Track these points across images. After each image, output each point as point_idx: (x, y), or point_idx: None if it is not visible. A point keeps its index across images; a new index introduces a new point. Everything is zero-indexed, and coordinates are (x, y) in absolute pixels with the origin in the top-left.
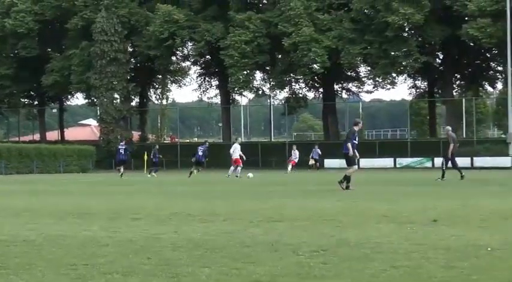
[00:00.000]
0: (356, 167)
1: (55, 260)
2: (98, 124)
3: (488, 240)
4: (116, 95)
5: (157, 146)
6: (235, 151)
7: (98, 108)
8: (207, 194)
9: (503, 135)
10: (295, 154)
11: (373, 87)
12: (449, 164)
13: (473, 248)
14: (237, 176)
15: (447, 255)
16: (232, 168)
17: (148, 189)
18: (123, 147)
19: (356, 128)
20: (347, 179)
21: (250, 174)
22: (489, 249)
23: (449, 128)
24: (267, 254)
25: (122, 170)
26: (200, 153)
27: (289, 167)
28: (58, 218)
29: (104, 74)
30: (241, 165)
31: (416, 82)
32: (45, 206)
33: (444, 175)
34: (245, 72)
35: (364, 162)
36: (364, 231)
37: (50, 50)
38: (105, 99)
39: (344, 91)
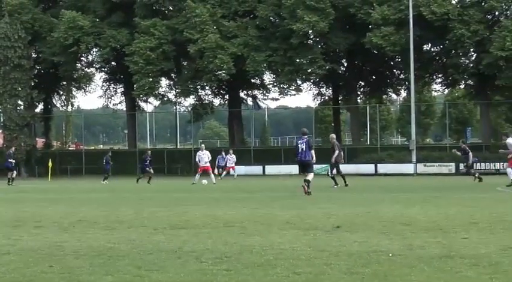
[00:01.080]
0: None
1: None
2: (1, 131)
3: (389, 246)
4: (20, 102)
5: (109, 153)
6: (202, 158)
7: (1, 114)
8: (112, 201)
9: (406, 142)
10: (233, 158)
11: (279, 94)
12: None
13: (375, 254)
14: (193, 183)
15: (349, 261)
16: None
17: (51, 197)
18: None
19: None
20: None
21: (205, 181)
22: (390, 255)
23: (334, 135)
24: (171, 261)
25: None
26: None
27: (224, 174)
28: None
29: (8, 80)
30: (199, 173)
31: (321, 89)
32: None
33: (336, 182)
34: (150, 78)
35: (269, 169)
36: (268, 238)
37: None
38: (8, 106)
39: (250, 98)
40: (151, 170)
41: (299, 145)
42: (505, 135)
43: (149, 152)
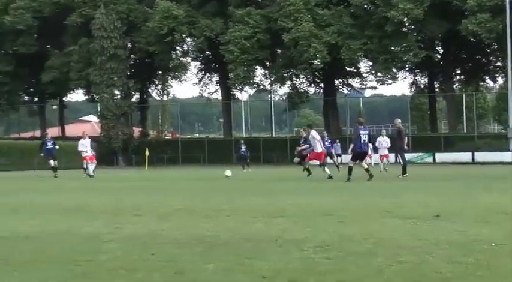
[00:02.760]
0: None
1: (58, 256)
2: (98, 120)
3: (490, 235)
4: (116, 91)
5: (242, 141)
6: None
7: (99, 104)
8: (208, 189)
9: (503, 131)
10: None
11: (376, 82)
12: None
13: (476, 243)
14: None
15: (450, 251)
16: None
17: (149, 185)
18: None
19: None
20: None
21: (229, 172)
22: (493, 244)
23: (399, 120)
24: (271, 249)
25: (52, 163)
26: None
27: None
28: (60, 215)
29: (104, 70)
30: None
31: (417, 77)
32: (47, 203)
33: (406, 170)
34: (245, 67)
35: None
36: (367, 227)
37: (49, 46)
38: (105, 96)
39: (345, 86)
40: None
41: (362, 136)
42: None
43: (242, 141)
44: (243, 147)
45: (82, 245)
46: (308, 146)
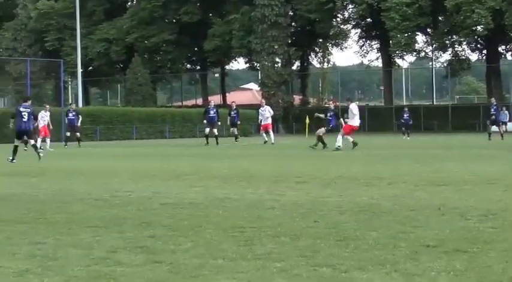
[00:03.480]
0: None
1: (222, 222)
2: (259, 88)
3: None
4: (277, 59)
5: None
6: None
7: (259, 72)
8: (369, 157)
9: None
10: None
11: None
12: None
13: None
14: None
15: None
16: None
17: (311, 153)
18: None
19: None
20: None
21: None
22: None
23: None
24: (434, 218)
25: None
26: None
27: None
28: (222, 181)
29: (265, 38)
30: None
31: None
32: (209, 169)
33: None
34: (406, 34)
35: None
36: None
37: (211, 15)
38: (266, 64)
39: (509, 53)
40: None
41: None
42: None
43: (406, 108)
44: (405, 115)
45: (245, 212)
46: (330, 119)
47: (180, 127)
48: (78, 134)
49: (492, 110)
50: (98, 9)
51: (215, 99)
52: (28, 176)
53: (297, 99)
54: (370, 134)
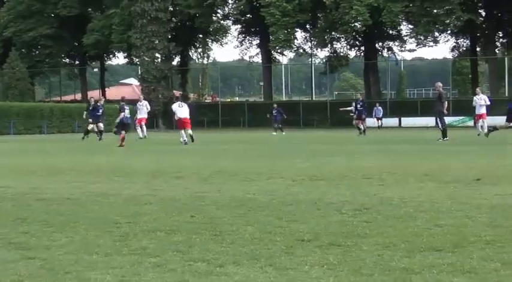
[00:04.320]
0: None
1: (99, 218)
2: (139, 83)
3: None
4: (157, 54)
5: (274, 105)
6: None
7: (139, 67)
8: (248, 152)
9: None
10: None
11: (416, 46)
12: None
13: None
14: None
15: (491, 214)
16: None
17: (189, 148)
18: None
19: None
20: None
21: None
22: None
23: (440, 84)
24: (310, 213)
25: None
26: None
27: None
28: (101, 177)
29: (145, 33)
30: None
31: (459, 40)
32: (88, 165)
33: (446, 134)
34: (286, 30)
35: (406, 121)
36: (407, 190)
37: (90, 9)
38: (146, 59)
39: (385, 49)
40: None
41: None
42: None
43: (275, 105)
44: (274, 112)
45: (122, 207)
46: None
47: (59, 122)
48: None
49: (358, 106)
50: None
51: (95, 94)
52: None
53: (177, 94)
54: (250, 129)
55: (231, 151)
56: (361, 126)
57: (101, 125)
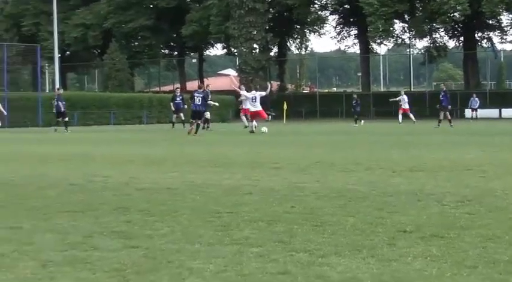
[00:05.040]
0: None
1: (199, 207)
2: (236, 74)
3: None
4: (255, 45)
5: (354, 96)
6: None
7: (237, 58)
8: (347, 143)
9: None
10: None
11: None
12: None
13: None
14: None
15: None
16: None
17: (287, 139)
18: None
19: None
20: None
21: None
22: None
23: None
24: (411, 204)
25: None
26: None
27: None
28: (199, 167)
29: (243, 24)
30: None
31: None
32: (186, 155)
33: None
34: (384, 20)
35: (506, 113)
36: (510, 182)
37: (188, 0)
38: (244, 49)
39: (485, 40)
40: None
41: None
42: None
43: (355, 95)
44: (353, 102)
45: (222, 197)
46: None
47: (158, 113)
48: (66, 119)
49: (440, 96)
50: None
51: (193, 85)
52: (5, 160)
53: (274, 85)
54: (347, 120)
55: (329, 142)
56: (441, 117)
57: (181, 114)
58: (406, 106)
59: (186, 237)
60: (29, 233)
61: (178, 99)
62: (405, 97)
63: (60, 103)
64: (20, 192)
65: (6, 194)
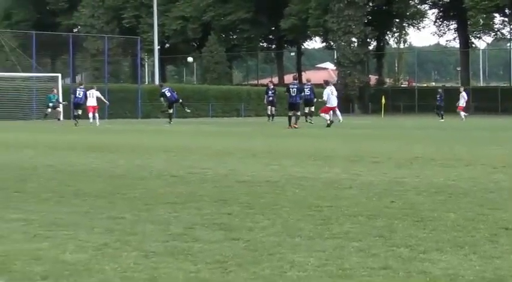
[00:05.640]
0: None
1: (299, 201)
2: (335, 68)
3: None
4: (353, 39)
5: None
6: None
7: (335, 51)
8: (446, 138)
9: None
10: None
11: None
12: None
13: None
14: None
15: None
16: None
17: (385, 133)
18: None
19: None
20: None
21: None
22: None
23: None
24: None
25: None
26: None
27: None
28: (298, 160)
29: (342, 17)
30: None
31: None
32: (285, 148)
33: None
34: (485, 15)
35: None
36: None
37: None
38: (342, 43)
39: None
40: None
41: None
42: None
43: (440, 89)
44: (437, 96)
45: (322, 191)
46: None
47: (256, 105)
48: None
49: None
50: None
51: (291, 78)
52: (105, 151)
53: (372, 79)
54: (446, 115)
55: (429, 137)
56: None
57: (273, 108)
58: (461, 103)
59: (286, 230)
60: (131, 224)
61: (270, 92)
62: (464, 94)
63: (78, 96)
64: (121, 183)
65: (108, 185)
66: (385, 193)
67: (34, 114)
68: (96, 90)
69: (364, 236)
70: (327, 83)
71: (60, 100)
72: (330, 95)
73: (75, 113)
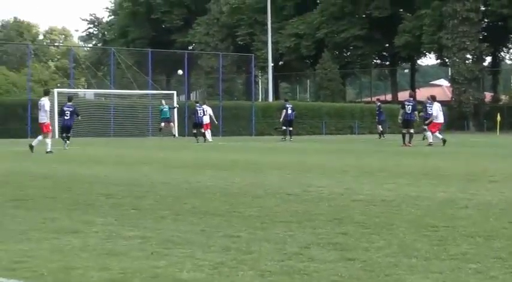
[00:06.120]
0: None
1: (414, 220)
2: (449, 85)
3: None
4: (468, 55)
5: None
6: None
7: (450, 68)
8: None
9: None
10: None
11: None
12: None
13: None
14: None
15: None
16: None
17: (502, 151)
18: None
19: None
20: None
21: None
22: None
23: None
24: None
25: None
26: None
27: None
28: (413, 179)
29: (456, 33)
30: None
31: None
32: (400, 166)
33: None
34: None
35: None
36: None
37: (401, 10)
38: (456, 60)
39: None
40: None
41: None
42: None
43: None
44: None
45: (438, 210)
46: None
47: (369, 123)
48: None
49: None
50: (288, 4)
51: (404, 95)
52: (220, 168)
53: (487, 96)
54: None
55: None
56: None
57: (380, 127)
58: None
59: (402, 250)
60: (247, 242)
61: (378, 111)
62: None
63: (200, 115)
64: (237, 201)
65: (223, 203)
66: (504, 213)
67: (150, 132)
68: (208, 106)
69: (481, 257)
70: (433, 98)
71: (175, 104)
72: (439, 111)
73: (194, 131)
